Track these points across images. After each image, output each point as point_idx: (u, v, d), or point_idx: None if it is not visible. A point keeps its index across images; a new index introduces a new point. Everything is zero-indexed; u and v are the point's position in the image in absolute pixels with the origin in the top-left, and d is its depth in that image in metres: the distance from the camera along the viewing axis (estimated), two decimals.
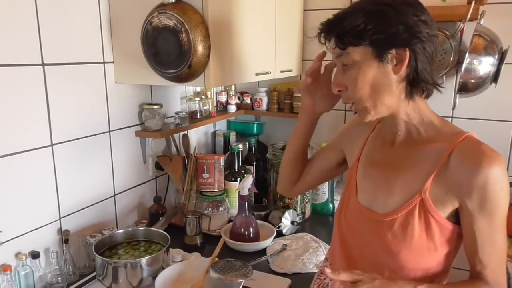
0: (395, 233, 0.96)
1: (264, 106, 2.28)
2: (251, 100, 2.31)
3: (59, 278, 1.37)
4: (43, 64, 1.34)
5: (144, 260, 1.32)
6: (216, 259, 1.41)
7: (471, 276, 0.95)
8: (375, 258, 1.01)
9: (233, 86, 2.27)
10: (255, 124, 2.37)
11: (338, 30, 0.93)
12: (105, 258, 1.33)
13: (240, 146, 1.94)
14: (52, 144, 1.40)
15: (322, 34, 0.97)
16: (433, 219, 0.92)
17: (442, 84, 1.88)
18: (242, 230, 1.67)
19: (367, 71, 0.92)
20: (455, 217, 0.94)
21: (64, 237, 1.42)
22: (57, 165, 1.43)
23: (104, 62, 1.57)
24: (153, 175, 1.88)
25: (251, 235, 1.68)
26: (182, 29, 1.38)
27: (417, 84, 0.93)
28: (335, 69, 1.01)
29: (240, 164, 1.98)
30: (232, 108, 2.21)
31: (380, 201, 1.00)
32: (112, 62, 1.60)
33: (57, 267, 1.38)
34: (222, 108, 2.25)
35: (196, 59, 1.41)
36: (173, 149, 1.95)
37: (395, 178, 0.98)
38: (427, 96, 0.97)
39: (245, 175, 1.92)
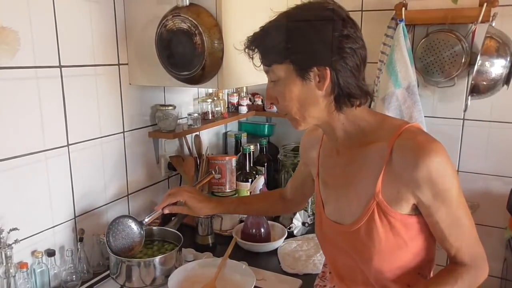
0: (363, 241, 0.96)
1: (275, 108, 2.28)
2: (262, 101, 2.33)
3: (74, 276, 1.39)
4: (60, 66, 1.37)
5: (157, 259, 1.34)
6: (228, 259, 1.43)
7: (450, 261, 0.96)
8: (356, 265, 1.03)
9: (244, 88, 2.29)
10: (266, 125, 2.39)
11: (261, 48, 0.95)
12: (119, 257, 1.35)
13: (252, 147, 1.96)
14: (68, 144, 1.43)
15: (248, 50, 0.98)
16: (393, 219, 0.92)
17: (453, 86, 1.92)
18: (254, 230, 1.69)
19: (292, 87, 0.93)
20: (417, 209, 0.93)
21: (79, 235, 1.45)
22: (72, 164, 1.46)
23: (119, 64, 1.60)
24: (165, 175, 1.90)
25: (262, 236, 1.69)
26: (196, 31, 1.40)
27: (343, 98, 0.93)
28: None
29: (252, 165, 2.00)
30: (244, 109, 2.22)
31: (344, 212, 1.01)
32: (127, 64, 1.63)
33: (71, 265, 1.40)
34: (233, 109, 2.27)
35: (210, 62, 1.43)
36: (185, 149, 1.97)
37: (349, 186, 0.99)
38: (360, 105, 0.96)
39: (257, 176, 1.94)
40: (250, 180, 1.92)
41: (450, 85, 1.94)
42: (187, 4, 1.42)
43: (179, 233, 1.49)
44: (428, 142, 0.88)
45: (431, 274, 1.03)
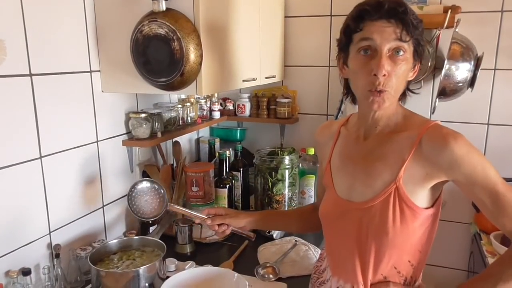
0: (372, 219, 1.02)
1: (247, 112, 2.29)
2: (233, 106, 2.32)
3: None
4: (30, 75, 1.30)
5: (141, 269, 1.30)
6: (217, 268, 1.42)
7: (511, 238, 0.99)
8: (355, 251, 1.07)
9: (216, 93, 2.27)
10: (238, 130, 2.38)
11: (408, 22, 0.94)
12: (101, 269, 1.31)
13: (228, 152, 1.94)
14: (41, 157, 1.36)
15: (377, 15, 0.94)
16: (406, 206, 0.99)
17: (420, 89, 2.00)
18: None
19: (409, 67, 0.99)
20: (431, 199, 1.01)
21: (55, 251, 1.38)
22: (46, 178, 1.38)
23: (90, 71, 1.54)
24: None
25: None
26: (174, 37, 1.37)
27: (409, 90, 1.06)
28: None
29: (228, 170, 1.98)
30: (217, 115, 2.20)
31: (359, 191, 1.07)
32: (99, 71, 1.57)
33: (48, 283, 1.34)
34: (204, 115, 2.24)
35: (189, 67, 1.41)
36: (159, 157, 1.93)
37: (371, 168, 1.05)
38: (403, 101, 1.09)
39: (233, 181, 1.93)
40: (227, 185, 1.91)
41: (417, 88, 2.02)
42: (164, 9, 1.39)
43: (162, 242, 1.44)
44: (454, 132, 0.97)
45: (421, 265, 1.08)
